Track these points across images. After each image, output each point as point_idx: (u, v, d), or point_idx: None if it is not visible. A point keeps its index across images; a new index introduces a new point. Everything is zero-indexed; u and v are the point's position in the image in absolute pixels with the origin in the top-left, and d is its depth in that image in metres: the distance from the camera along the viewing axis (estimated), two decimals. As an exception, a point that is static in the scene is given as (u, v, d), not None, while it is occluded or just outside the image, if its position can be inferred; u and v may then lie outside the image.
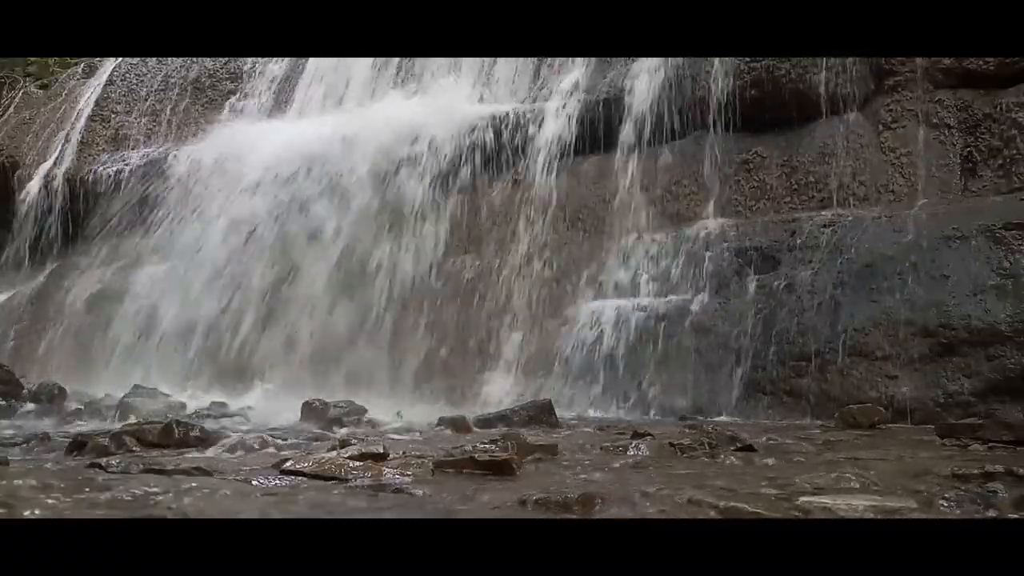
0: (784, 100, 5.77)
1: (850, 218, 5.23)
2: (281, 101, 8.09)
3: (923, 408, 4.36)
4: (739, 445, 3.02)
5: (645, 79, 6.20)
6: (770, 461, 2.72)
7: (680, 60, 6.07)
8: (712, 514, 1.85)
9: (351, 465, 2.45)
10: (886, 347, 4.60)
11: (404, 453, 2.77)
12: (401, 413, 4.60)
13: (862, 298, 4.80)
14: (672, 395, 5.06)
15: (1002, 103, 5.22)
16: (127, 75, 9.03)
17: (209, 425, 3.77)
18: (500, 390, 5.49)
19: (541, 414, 4.18)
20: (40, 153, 9.00)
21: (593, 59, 6.52)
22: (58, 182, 8.49)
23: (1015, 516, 1.88)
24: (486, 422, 4.14)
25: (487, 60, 7.09)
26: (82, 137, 8.71)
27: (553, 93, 6.62)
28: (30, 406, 5.07)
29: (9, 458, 2.74)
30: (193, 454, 3.00)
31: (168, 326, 6.75)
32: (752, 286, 5.21)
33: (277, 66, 8.30)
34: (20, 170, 8.97)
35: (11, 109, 9.63)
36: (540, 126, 6.44)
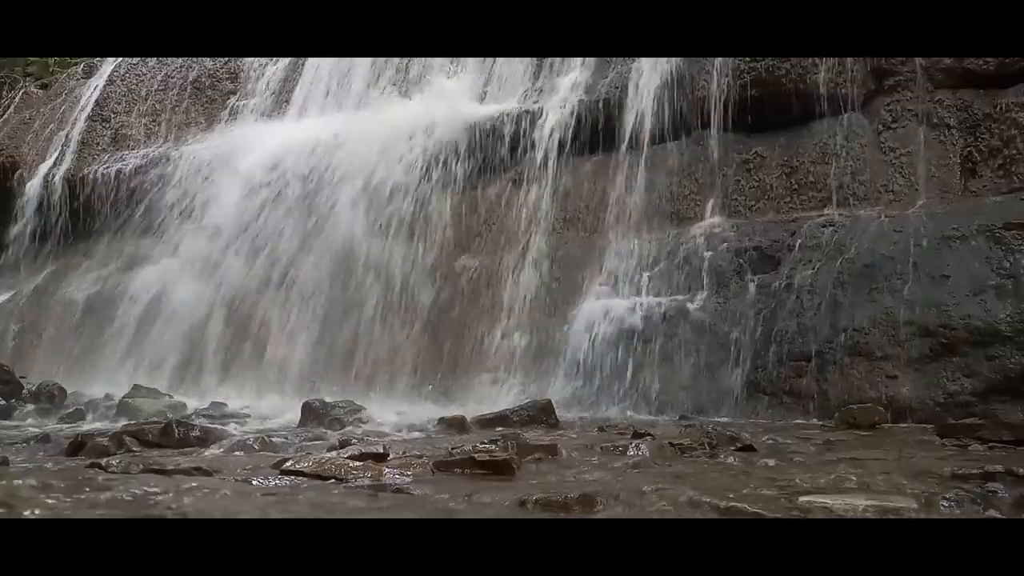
0: (784, 100, 5.76)
1: (850, 218, 5.23)
2: (281, 101, 8.08)
3: (923, 408, 4.36)
4: (739, 445, 3.03)
5: (645, 79, 6.20)
6: (770, 461, 2.72)
7: (680, 60, 6.06)
8: (712, 514, 1.85)
9: (351, 465, 2.45)
10: (886, 347, 4.60)
11: (404, 453, 2.77)
12: (401, 413, 4.60)
13: (862, 298, 4.79)
14: (672, 395, 5.06)
15: (1002, 103, 5.22)
16: (127, 75, 9.02)
17: (209, 425, 3.78)
18: (500, 390, 5.49)
19: (541, 414, 4.18)
20: (40, 153, 8.99)
21: (593, 59, 6.51)
22: (58, 182, 8.49)
23: (1015, 516, 1.88)
24: (486, 422, 4.13)
25: (488, 60, 7.08)
26: (82, 137, 8.71)
27: (553, 93, 6.61)
28: (30, 406, 5.08)
29: (9, 458, 2.74)
30: (193, 454, 3.00)
31: (168, 326, 6.75)
32: (752, 286, 5.21)
33: (277, 66, 8.29)
34: (20, 170, 8.98)
35: (11, 109, 9.63)
36: (540, 126, 6.44)
